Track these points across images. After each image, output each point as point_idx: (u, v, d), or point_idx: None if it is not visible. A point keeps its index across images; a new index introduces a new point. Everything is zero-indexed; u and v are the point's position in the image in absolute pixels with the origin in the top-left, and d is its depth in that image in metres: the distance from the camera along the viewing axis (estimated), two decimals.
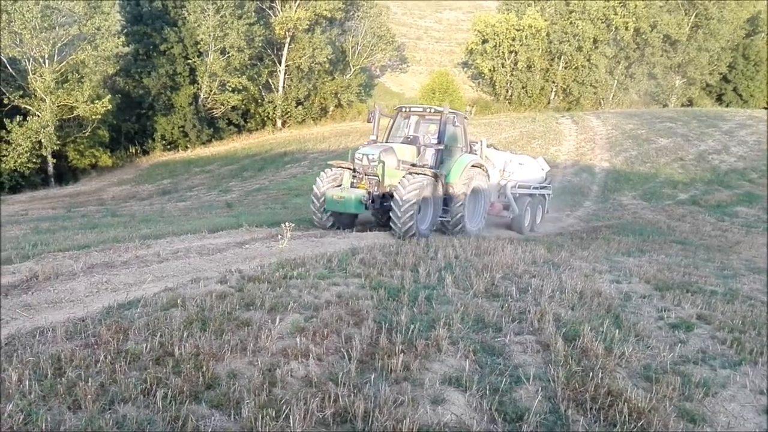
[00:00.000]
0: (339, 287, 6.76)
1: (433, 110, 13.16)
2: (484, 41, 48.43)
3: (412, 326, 5.23)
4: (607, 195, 24.80)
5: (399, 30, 56.87)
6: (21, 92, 29.02)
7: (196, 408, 3.74)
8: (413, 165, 12.18)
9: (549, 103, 48.95)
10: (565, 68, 48.54)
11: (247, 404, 3.76)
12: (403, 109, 13.57)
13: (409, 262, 8.22)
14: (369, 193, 11.72)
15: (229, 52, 35.56)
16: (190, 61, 35.82)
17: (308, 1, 37.74)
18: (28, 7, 26.69)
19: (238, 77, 36.01)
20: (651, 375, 4.79)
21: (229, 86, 36.52)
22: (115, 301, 5.89)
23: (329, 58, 39.61)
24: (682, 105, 51.79)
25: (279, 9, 38.60)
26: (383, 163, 11.63)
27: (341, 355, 4.72)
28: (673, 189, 25.50)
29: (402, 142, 12.95)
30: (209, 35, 34.33)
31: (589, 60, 47.50)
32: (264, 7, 38.31)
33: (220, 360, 4.45)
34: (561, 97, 49.58)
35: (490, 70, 48.55)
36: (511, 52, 47.60)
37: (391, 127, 13.81)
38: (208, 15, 34.01)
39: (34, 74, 28.55)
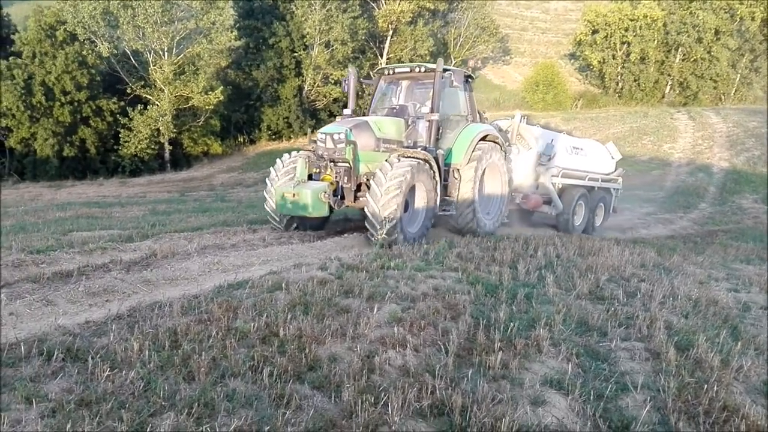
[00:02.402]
0: (436, 280, 6.75)
1: (423, 69, 10.12)
2: (594, 32, 46.30)
3: (511, 324, 5.12)
4: (726, 197, 22.99)
5: (503, 21, 55.65)
6: (142, 83, 31.26)
7: (299, 387, 3.88)
8: (400, 144, 9.66)
9: (663, 97, 46.02)
10: (683, 61, 45.38)
11: (347, 388, 3.85)
12: (387, 71, 10.72)
13: (508, 259, 8.04)
14: (335, 186, 8.95)
15: (333, 45, 36.39)
16: (296, 54, 37.02)
17: None
18: (151, 2, 28.65)
19: (341, 70, 36.78)
20: None
21: (332, 78, 37.41)
22: (225, 281, 6.23)
23: (430, 50, 39.50)
24: None
25: (383, 2, 38.96)
26: (354, 144, 8.81)
27: (438, 347, 4.71)
28: None
29: (386, 115, 10.24)
30: (315, 29, 35.28)
31: (709, 52, 44.08)
32: (368, 0, 38.80)
33: (321, 343, 4.58)
34: (677, 92, 46.43)
35: (599, 62, 46.38)
36: (623, 43, 45.19)
37: (373, 96, 11.08)
38: (315, 9, 34.94)
39: (154, 66, 30.63)
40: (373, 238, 8.51)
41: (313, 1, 34.71)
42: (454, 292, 6.20)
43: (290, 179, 9.19)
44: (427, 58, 40.30)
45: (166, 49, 30.57)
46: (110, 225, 10.73)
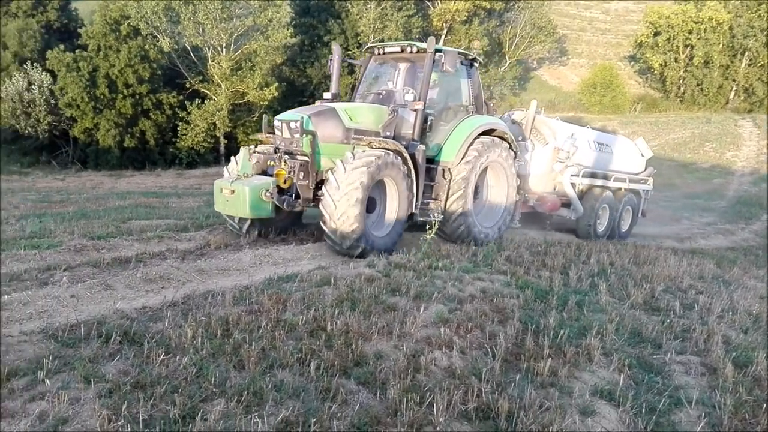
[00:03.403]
0: (484, 282, 6.67)
1: (415, 49, 8.86)
2: (656, 34, 44.79)
3: (561, 331, 5.02)
4: None
5: (561, 21, 54.50)
6: (201, 78, 32.09)
7: (345, 382, 3.90)
8: (377, 137, 8.20)
9: (727, 103, 44.14)
10: (749, 66, 43.39)
11: (392, 386, 3.85)
12: (377, 51, 9.40)
13: (559, 264, 7.88)
14: (289, 183, 7.78)
15: None
16: (350, 52, 37.30)
17: None
18: (211, 0, 29.36)
19: None
20: None
21: None
22: (275, 274, 6.35)
23: (485, 49, 39.10)
24: None
25: (438, 0, 38.80)
26: (313, 134, 7.71)
27: (485, 351, 4.66)
28: None
29: (372, 101, 9.11)
30: (369, 27, 35.43)
31: None
32: None
33: (367, 340, 4.60)
34: (742, 98, 44.44)
35: (660, 65, 44.85)
36: (686, 46, 43.56)
37: (361, 79, 9.82)
38: (370, 8, 35.10)
39: (212, 62, 31.39)
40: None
41: (369, 0, 34.87)
42: (503, 296, 6.11)
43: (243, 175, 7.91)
44: (481, 57, 39.89)
45: (224, 45, 31.28)
46: (167, 215, 11.08)
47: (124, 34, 27.28)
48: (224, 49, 31.63)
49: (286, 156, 7.84)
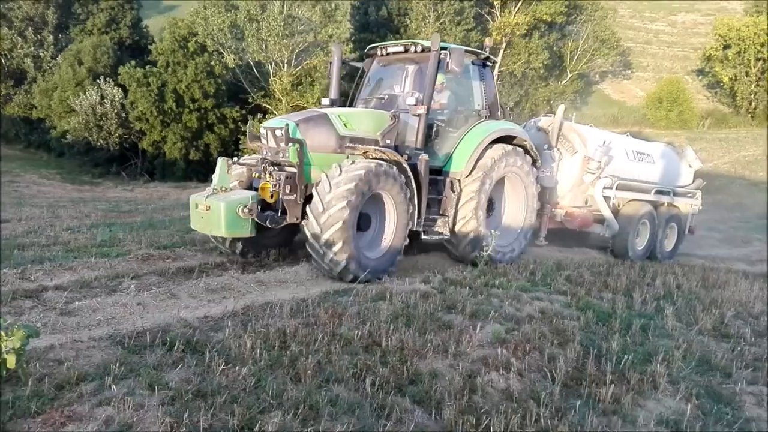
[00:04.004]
0: (542, 302, 6.52)
1: (420, 48, 8.15)
2: (726, 47, 42.99)
3: (625, 357, 4.84)
4: None
5: (625, 34, 53.12)
6: (263, 92, 33.00)
7: (399, 400, 3.88)
8: (376, 145, 7.42)
9: None
10: None
11: (448, 406, 3.80)
12: (380, 52, 8.69)
13: (622, 286, 7.62)
14: (275, 197, 6.93)
15: None
16: None
17: (529, 5, 37.14)
18: (274, 17, 30.21)
19: None
20: None
21: None
22: (331, 288, 6.41)
23: (545, 63, 38.56)
24: None
25: (498, 14, 38.60)
26: (300, 143, 6.92)
27: (543, 374, 4.54)
28: None
29: (374, 106, 8.42)
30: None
31: None
32: (483, 12, 38.59)
33: (422, 358, 4.56)
34: None
35: (730, 79, 42.97)
36: (758, 59, 41.58)
37: (364, 83, 9.08)
38: (429, 22, 35.28)
39: (274, 77, 32.25)
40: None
41: (427, 15, 35.06)
42: (562, 317, 5.96)
43: (224, 189, 6.93)
44: (541, 71, 39.42)
45: (285, 61, 32.10)
46: None
47: (191, 51, 28.37)
48: (285, 65, 32.44)
49: (272, 167, 7.06)
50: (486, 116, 8.71)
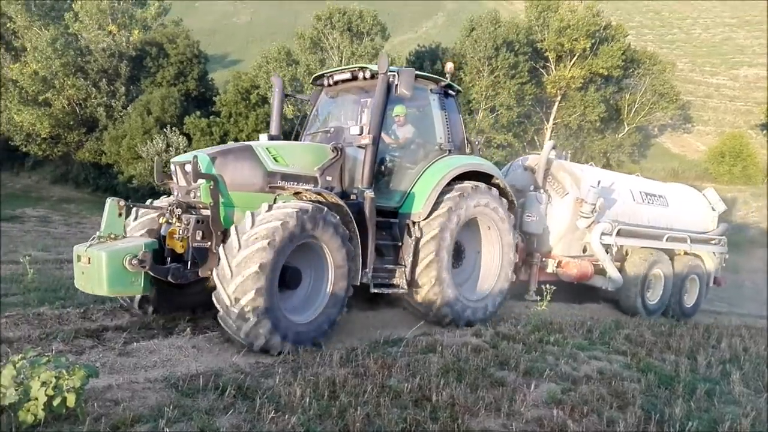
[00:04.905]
0: (600, 362, 6.27)
1: (369, 74, 7.22)
2: None
3: (689, 423, 4.56)
4: None
5: (685, 87, 52.21)
6: None
7: None
8: (315, 183, 6.57)
9: None
10: None
11: None
12: (327, 81, 7.85)
13: (685, 347, 7.25)
14: (184, 246, 5.90)
15: (498, 110, 36.73)
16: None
17: (584, 59, 37.17)
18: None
19: (504, 134, 36.84)
20: None
21: (495, 143, 37.55)
22: (381, 337, 6.36)
23: (601, 116, 38.19)
24: None
25: (552, 68, 38.75)
26: (214, 180, 5.89)
27: None
28: None
29: (320, 141, 7.50)
30: (481, 95, 35.95)
31: None
32: (537, 66, 38.85)
33: (474, 415, 4.43)
34: None
35: None
36: None
37: (311, 116, 8.29)
38: (483, 76, 35.73)
39: None
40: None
41: (481, 69, 35.54)
42: (622, 379, 5.70)
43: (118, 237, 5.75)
44: (597, 123, 38.99)
45: None
46: None
47: (253, 102, 29.54)
48: None
49: (180, 210, 6.03)
50: (450, 150, 7.74)
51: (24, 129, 29.16)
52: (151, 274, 5.62)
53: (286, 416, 3.98)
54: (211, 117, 29.74)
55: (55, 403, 3.52)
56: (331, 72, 7.85)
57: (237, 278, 5.25)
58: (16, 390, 3.52)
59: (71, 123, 30.04)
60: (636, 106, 41.64)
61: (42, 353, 4.01)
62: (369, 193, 6.58)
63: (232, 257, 5.31)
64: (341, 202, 6.24)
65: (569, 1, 37.93)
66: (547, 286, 8.04)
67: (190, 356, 5.27)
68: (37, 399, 3.50)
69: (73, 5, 30.79)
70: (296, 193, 6.27)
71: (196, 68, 32.32)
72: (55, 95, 29.22)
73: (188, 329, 6.06)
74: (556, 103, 39.02)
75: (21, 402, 3.49)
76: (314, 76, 8.14)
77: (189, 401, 4.14)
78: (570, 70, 37.10)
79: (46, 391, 3.51)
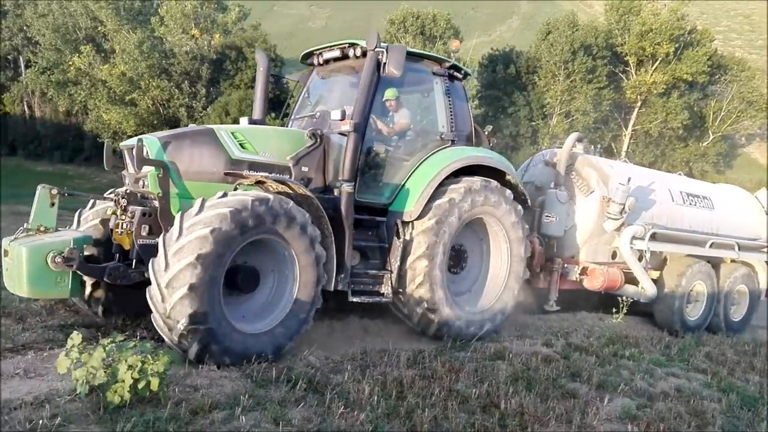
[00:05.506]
0: (678, 380, 6.00)
1: (359, 51, 6.43)
2: None
3: None
4: None
5: None
6: None
7: None
8: (287, 173, 5.82)
9: None
10: None
11: None
12: (317, 59, 7.07)
13: None
14: (128, 240, 5.33)
15: (573, 116, 35.78)
16: (533, 123, 37.19)
17: (667, 64, 35.63)
18: None
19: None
20: None
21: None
22: (448, 340, 6.33)
23: (684, 123, 36.48)
24: None
25: (633, 72, 37.37)
26: (164, 167, 5.26)
27: None
28: None
29: (305, 126, 6.76)
30: (556, 99, 35.15)
31: None
32: (617, 71, 37.58)
33: (544, 425, 4.35)
34: None
35: None
36: None
37: (299, 99, 7.57)
38: (558, 80, 34.91)
39: None
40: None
41: (557, 73, 34.76)
42: (701, 398, 5.44)
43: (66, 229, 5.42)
44: (680, 131, 37.31)
45: None
46: None
47: None
48: None
49: (126, 201, 5.40)
50: (453, 141, 6.83)
51: (111, 127, 31.00)
52: (81, 274, 5.02)
53: (355, 413, 4.04)
54: (284, 119, 30.58)
55: (140, 386, 3.73)
56: (320, 49, 7.00)
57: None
58: (105, 372, 3.75)
59: (155, 122, 31.64)
60: (722, 113, 39.53)
61: (128, 338, 4.24)
62: (346, 187, 5.80)
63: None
64: (310, 194, 5.45)
65: (652, 3, 36.43)
66: (624, 298, 7.71)
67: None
68: (123, 381, 3.71)
69: (159, 10, 32.47)
70: (260, 183, 5.54)
71: (273, 71, 33.42)
72: (141, 95, 30.88)
73: None
74: (636, 109, 37.62)
75: (109, 383, 3.72)
76: (303, 53, 7.28)
77: (262, 392, 4.28)
78: (652, 75, 35.65)
79: (132, 374, 3.72)
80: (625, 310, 7.55)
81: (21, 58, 37.76)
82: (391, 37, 32.94)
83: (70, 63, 31.41)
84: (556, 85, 35.16)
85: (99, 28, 33.10)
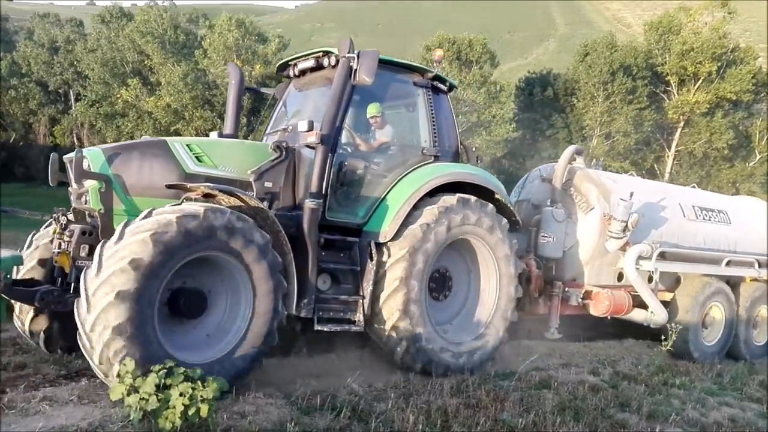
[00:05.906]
0: (732, 409, 5.81)
1: (333, 60, 6.05)
2: None
3: None
4: None
5: None
6: None
7: None
8: (249, 189, 5.34)
9: None
10: None
11: None
12: (293, 70, 6.76)
13: None
14: (66, 261, 4.98)
15: (614, 137, 35.28)
16: (573, 145, 36.81)
17: (710, 83, 34.89)
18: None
19: (621, 162, 35.21)
20: None
21: (610, 170, 36.01)
22: (492, 369, 6.27)
23: (729, 143, 35.51)
24: None
25: (674, 93, 36.72)
26: (107, 181, 4.93)
27: None
28: None
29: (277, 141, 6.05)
30: (596, 120, 34.75)
31: None
32: (657, 91, 37.00)
33: None
34: None
35: None
36: None
37: (275, 112, 7.17)
38: (598, 102, 34.56)
39: None
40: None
41: (596, 94, 34.44)
42: (757, 429, 5.25)
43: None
44: (725, 151, 36.32)
45: None
46: None
47: None
48: None
49: (65, 218, 5.12)
50: (436, 156, 6.41)
51: None
52: (6, 298, 4.57)
53: None
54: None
55: (190, 412, 3.80)
56: (295, 59, 6.70)
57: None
58: (157, 398, 3.85)
59: None
60: None
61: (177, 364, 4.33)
62: (309, 203, 5.38)
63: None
64: (262, 206, 5.00)
65: (693, 22, 35.86)
66: (673, 325, 7.42)
67: (307, 375, 5.49)
68: (174, 407, 3.80)
69: (202, 43, 33.66)
70: (208, 195, 5.10)
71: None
72: (185, 126, 31.90)
73: (304, 349, 6.31)
74: (679, 129, 36.84)
75: (161, 409, 3.81)
76: (279, 63, 7.01)
77: (307, 419, 4.32)
78: (694, 94, 34.93)
79: (183, 400, 3.81)
80: (674, 338, 7.34)
81: (71, 92, 39.62)
82: (427, 63, 33.24)
83: (118, 96, 32.79)
84: (595, 107, 34.83)
85: (145, 62, 34.49)
